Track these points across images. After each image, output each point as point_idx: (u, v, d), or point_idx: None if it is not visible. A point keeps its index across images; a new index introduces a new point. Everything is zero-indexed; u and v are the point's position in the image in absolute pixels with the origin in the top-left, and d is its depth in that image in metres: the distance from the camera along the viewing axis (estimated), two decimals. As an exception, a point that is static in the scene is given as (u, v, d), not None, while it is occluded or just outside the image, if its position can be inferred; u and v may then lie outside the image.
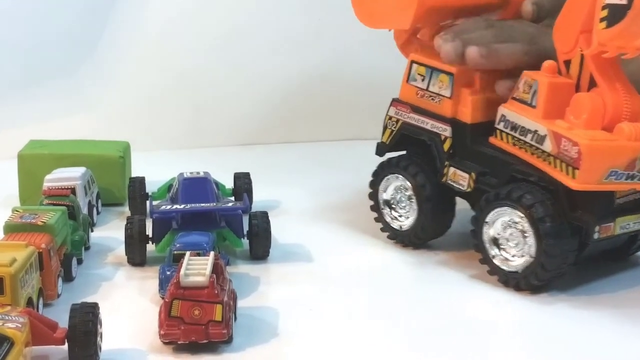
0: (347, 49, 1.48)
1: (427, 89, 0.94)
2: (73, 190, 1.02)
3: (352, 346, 0.77)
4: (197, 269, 0.76)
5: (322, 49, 1.48)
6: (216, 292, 0.74)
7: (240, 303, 0.83)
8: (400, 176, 0.97)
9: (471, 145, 0.92)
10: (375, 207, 1.01)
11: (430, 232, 0.98)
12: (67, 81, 1.43)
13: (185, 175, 1.02)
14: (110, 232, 1.03)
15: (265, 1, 1.46)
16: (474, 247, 0.90)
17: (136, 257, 0.94)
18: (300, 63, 1.48)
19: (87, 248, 0.98)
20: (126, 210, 1.09)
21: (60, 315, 0.74)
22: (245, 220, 0.97)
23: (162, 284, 0.84)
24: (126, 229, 0.94)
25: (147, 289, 0.88)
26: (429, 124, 0.94)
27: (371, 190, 1.02)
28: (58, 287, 0.85)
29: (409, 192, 0.97)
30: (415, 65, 0.96)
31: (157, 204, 0.97)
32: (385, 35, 1.00)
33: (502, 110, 0.89)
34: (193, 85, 1.46)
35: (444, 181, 0.94)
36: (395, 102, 0.98)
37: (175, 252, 0.85)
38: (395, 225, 0.99)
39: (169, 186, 1.07)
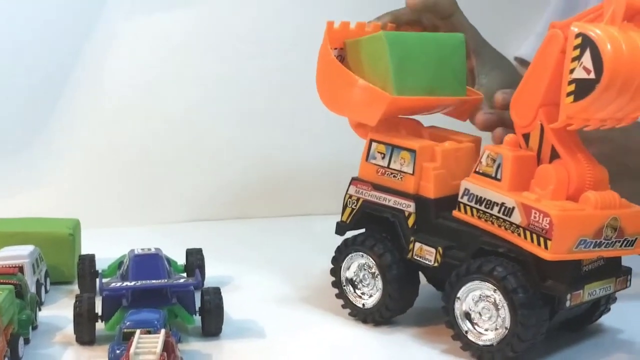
0: (304, 128, 1.49)
1: (387, 167, 0.95)
2: (21, 269, 1.00)
3: None
4: (147, 347, 0.74)
5: (278, 123, 1.49)
6: (167, 370, 0.73)
7: (192, 383, 0.81)
8: (365, 254, 0.97)
9: (435, 219, 0.92)
10: (337, 284, 1.01)
11: (395, 309, 0.97)
12: (16, 157, 1.42)
13: (136, 252, 1.01)
14: (58, 310, 1.01)
15: (220, 79, 1.47)
16: (445, 324, 0.90)
17: (85, 336, 0.92)
18: (254, 138, 1.49)
19: (35, 327, 0.96)
20: (75, 288, 1.08)
21: (5, 398, 0.71)
22: (198, 296, 0.96)
23: (112, 363, 0.82)
24: (75, 307, 0.92)
25: (96, 369, 0.86)
26: (391, 201, 0.95)
27: (332, 267, 1.01)
28: (4, 368, 0.83)
29: (374, 270, 0.97)
30: (374, 144, 0.97)
31: (107, 282, 0.96)
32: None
33: (466, 184, 0.90)
34: (144, 162, 1.45)
35: (410, 257, 0.94)
36: (355, 180, 0.99)
37: (125, 330, 0.84)
38: (358, 303, 0.99)
39: (119, 263, 1.06)
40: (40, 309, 1.00)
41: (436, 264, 0.91)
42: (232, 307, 1.00)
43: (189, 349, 0.91)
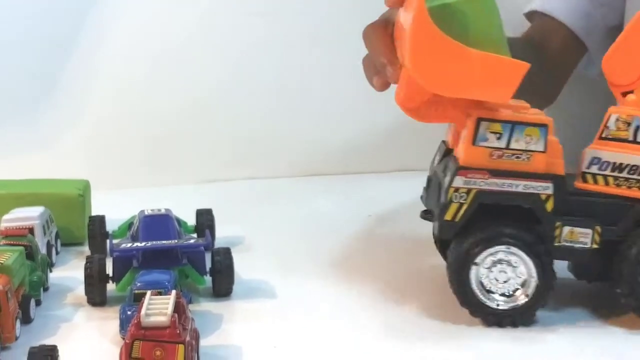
0: (312, 89, 1.48)
1: (507, 147, 0.84)
2: (31, 230, 1.00)
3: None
4: (158, 309, 0.74)
5: (287, 85, 1.49)
6: (178, 332, 0.73)
7: (203, 342, 0.81)
8: (512, 248, 0.85)
9: (570, 197, 0.85)
10: (464, 292, 0.87)
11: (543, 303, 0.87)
12: (24, 119, 1.41)
13: (146, 213, 1.01)
14: (69, 272, 1.01)
15: (229, 42, 1.46)
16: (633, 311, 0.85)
17: (96, 297, 0.92)
18: (263, 98, 1.48)
19: (46, 289, 0.96)
20: (86, 249, 1.08)
21: (18, 359, 0.72)
22: (208, 257, 0.95)
23: (123, 324, 0.82)
24: (86, 269, 0.92)
25: (107, 329, 0.86)
26: (520, 186, 0.84)
27: (454, 278, 0.87)
28: (16, 329, 0.83)
29: (517, 265, 0.86)
30: (484, 124, 0.84)
31: (117, 243, 0.96)
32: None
33: (593, 152, 0.85)
34: (154, 122, 1.45)
35: (558, 244, 0.85)
36: (462, 170, 0.84)
37: (136, 291, 0.84)
38: (492, 304, 0.86)
39: (129, 224, 1.06)
40: (51, 271, 1.00)
41: (595, 246, 0.84)
42: (243, 268, 1.00)
43: (200, 310, 0.91)
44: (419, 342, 0.84)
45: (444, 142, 0.93)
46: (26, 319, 0.87)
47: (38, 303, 0.92)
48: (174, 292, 0.79)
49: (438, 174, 0.89)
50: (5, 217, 1.04)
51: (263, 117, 1.48)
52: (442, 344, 0.84)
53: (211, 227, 1.10)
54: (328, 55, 1.47)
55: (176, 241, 0.96)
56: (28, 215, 1.03)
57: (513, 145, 0.84)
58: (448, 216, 0.85)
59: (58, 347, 0.71)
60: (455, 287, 0.86)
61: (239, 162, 1.46)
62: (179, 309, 0.76)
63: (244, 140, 1.47)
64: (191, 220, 1.11)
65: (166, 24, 1.45)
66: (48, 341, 0.75)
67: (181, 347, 0.72)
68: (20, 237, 0.96)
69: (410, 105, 0.87)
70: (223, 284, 0.94)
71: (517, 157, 0.84)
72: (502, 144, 0.84)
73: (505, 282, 0.85)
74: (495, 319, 0.86)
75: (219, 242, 1.09)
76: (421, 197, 0.95)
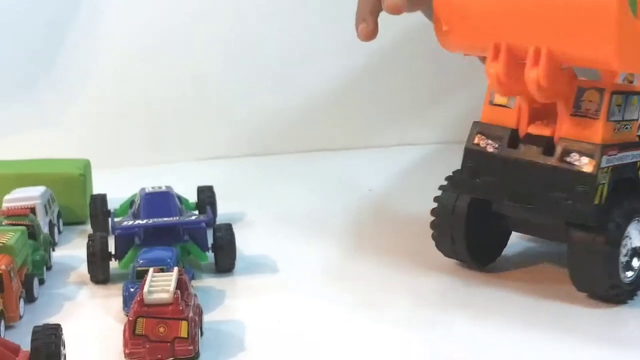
0: (316, 64, 1.48)
1: (622, 119, 0.82)
2: (33, 210, 1.01)
3: (320, 358, 0.75)
4: (161, 286, 0.74)
5: (288, 60, 1.48)
6: (181, 308, 0.73)
7: (206, 317, 0.81)
8: None
9: None
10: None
11: None
12: (24, 97, 1.41)
13: (147, 190, 1.01)
14: (72, 250, 1.02)
15: (228, 18, 1.45)
16: None
17: (99, 275, 0.92)
18: (264, 75, 1.48)
19: (49, 268, 0.96)
20: (88, 228, 1.08)
21: (22, 338, 0.72)
22: (210, 233, 0.96)
23: (126, 301, 0.83)
24: (88, 247, 0.92)
25: (111, 307, 0.86)
26: (632, 157, 0.83)
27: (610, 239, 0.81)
28: (19, 308, 0.84)
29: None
30: (615, 97, 0.81)
31: (119, 220, 0.96)
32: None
33: None
34: (154, 100, 1.44)
35: None
36: (605, 149, 0.80)
37: (139, 268, 0.84)
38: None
39: (130, 202, 1.06)
40: (54, 250, 1.00)
41: None
42: (245, 244, 1.00)
43: (203, 286, 0.91)
44: (424, 312, 0.85)
45: (481, 123, 0.87)
46: (30, 298, 0.88)
47: (41, 282, 0.92)
48: (176, 268, 0.79)
49: (527, 159, 0.83)
50: (7, 197, 1.04)
51: (263, 93, 1.47)
52: (453, 313, 0.85)
53: (212, 204, 1.10)
54: (329, 26, 1.46)
55: (177, 218, 0.96)
56: (29, 195, 1.04)
57: (626, 116, 0.82)
58: (596, 200, 0.80)
59: (62, 325, 0.71)
60: (607, 271, 0.81)
61: (240, 139, 1.46)
62: (181, 285, 0.77)
63: (245, 117, 1.47)
64: (192, 198, 1.11)
65: (166, 1, 1.45)
66: (52, 320, 0.75)
67: (184, 323, 0.72)
68: (22, 216, 0.96)
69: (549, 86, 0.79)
70: (225, 259, 0.94)
71: (626, 128, 0.83)
72: (620, 116, 0.82)
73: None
74: (626, 295, 0.84)
75: (220, 219, 1.09)
76: (463, 186, 0.89)
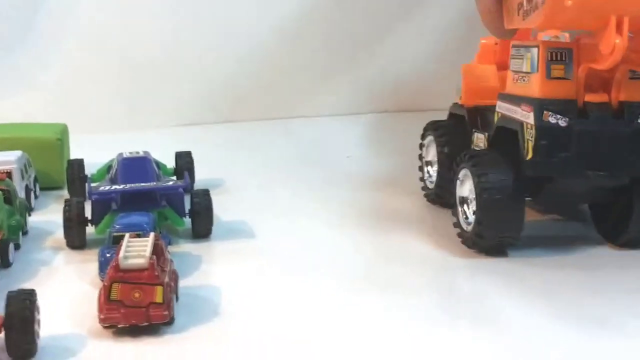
0: (292, 31, 1.47)
1: None
2: (9, 174, 1.00)
3: (295, 323, 0.76)
4: (136, 251, 0.74)
5: (265, 25, 1.47)
6: (156, 273, 0.73)
7: (183, 283, 0.81)
8: None
9: None
10: None
11: None
12: (1, 62, 1.39)
13: (124, 155, 1.01)
14: (48, 216, 1.01)
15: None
16: None
17: (75, 240, 0.92)
18: (241, 41, 1.47)
19: (25, 233, 0.96)
20: (65, 193, 1.08)
21: (-4, 303, 0.72)
22: (187, 199, 0.95)
23: (102, 266, 0.82)
24: (64, 212, 0.92)
25: (87, 272, 0.86)
26: None
27: None
28: (-5, 273, 0.84)
29: None
30: None
31: (96, 186, 0.96)
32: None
33: None
34: (133, 66, 1.44)
35: None
36: None
37: (115, 233, 0.84)
38: None
39: (108, 167, 1.05)
40: (30, 215, 1.00)
41: None
42: (222, 210, 1.00)
43: (180, 251, 0.91)
44: (406, 272, 0.85)
45: (541, 99, 0.83)
46: (5, 263, 0.87)
47: (17, 247, 0.91)
48: (152, 234, 0.79)
49: (600, 128, 0.83)
50: (-17, 161, 1.03)
51: (242, 60, 1.47)
52: (432, 273, 0.85)
53: (190, 170, 1.09)
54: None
55: (155, 183, 0.96)
56: (5, 159, 1.03)
57: None
58: None
59: (37, 291, 0.71)
60: None
61: (219, 105, 1.46)
62: (157, 250, 0.76)
63: (224, 83, 1.47)
64: (171, 163, 1.10)
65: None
66: (27, 285, 0.75)
67: (159, 288, 0.72)
68: (-3, 181, 0.96)
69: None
70: (202, 225, 0.94)
71: None
72: None
73: None
74: None
75: (198, 185, 1.09)
76: (541, 167, 0.85)
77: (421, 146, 1.07)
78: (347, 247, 0.93)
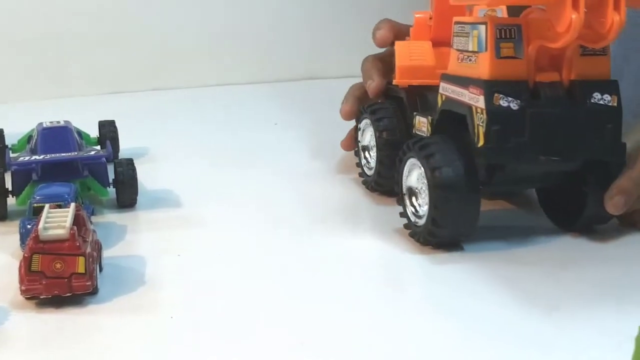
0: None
1: None
2: None
3: (221, 290, 0.75)
4: (56, 222, 0.73)
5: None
6: (77, 244, 0.72)
7: (107, 253, 0.81)
8: None
9: None
10: None
11: None
12: None
13: (44, 125, 0.99)
14: (-32, 188, 0.99)
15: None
16: None
17: (-4, 211, 0.90)
18: (169, 8, 1.45)
19: (-57, 205, 0.94)
20: (-15, 164, 1.05)
21: None
22: (111, 168, 0.94)
23: (23, 238, 0.81)
24: (-16, 183, 0.90)
25: (8, 244, 0.85)
26: None
27: None
28: None
29: None
30: None
31: (16, 156, 0.94)
32: None
33: None
34: (55, 34, 1.41)
35: None
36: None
37: (35, 204, 0.82)
38: None
39: (28, 137, 1.03)
40: (-52, 187, 0.97)
41: None
42: (148, 179, 0.99)
43: (105, 221, 0.90)
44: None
45: (492, 81, 0.77)
46: None
47: None
48: (73, 204, 0.77)
49: (553, 109, 0.78)
50: None
51: (165, 27, 1.45)
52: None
53: (114, 139, 1.08)
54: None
55: (76, 153, 0.94)
56: None
57: None
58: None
59: (-45, 264, 0.70)
60: None
61: (144, 73, 1.44)
62: (78, 221, 0.75)
63: (148, 51, 1.45)
64: (94, 133, 1.09)
65: None
66: (-54, 258, 0.73)
67: (81, 259, 0.71)
68: None
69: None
70: (126, 194, 0.93)
71: None
72: None
73: None
74: None
75: (123, 154, 1.07)
76: (495, 154, 0.78)
77: (357, 130, 1.00)
78: (273, 212, 0.93)
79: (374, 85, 0.97)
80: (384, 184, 0.95)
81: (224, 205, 0.95)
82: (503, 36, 0.77)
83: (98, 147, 1.06)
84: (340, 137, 1.04)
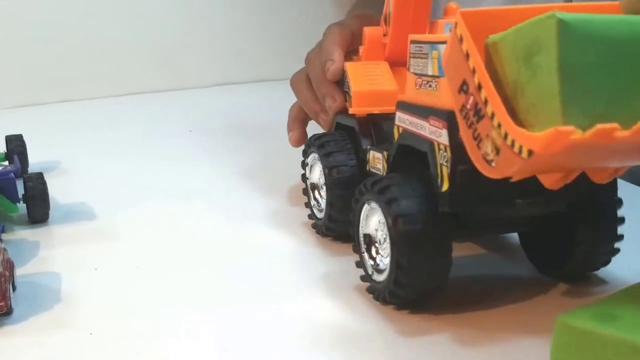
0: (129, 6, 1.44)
1: None
2: None
3: (140, 303, 0.73)
4: (-36, 241, 0.70)
5: (92, 9, 1.44)
6: (-13, 263, 0.69)
7: (20, 271, 0.78)
8: None
9: None
10: None
11: None
12: None
13: (-53, 142, 0.95)
14: None
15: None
16: None
17: None
18: (74, 17, 1.43)
19: None
20: None
21: None
22: (20, 183, 0.91)
23: None
24: None
25: None
26: None
27: None
28: None
29: None
30: None
31: None
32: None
33: None
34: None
35: None
36: None
37: (-61, 225, 0.79)
38: None
39: None
40: None
41: None
42: (59, 192, 0.97)
43: (15, 238, 0.87)
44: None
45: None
46: None
47: None
48: (-19, 222, 0.74)
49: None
50: None
51: (76, 37, 1.42)
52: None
53: (22, 153, 1.05)
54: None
55: (-18, 170, 0.91)
56: None
57: None
58: None
59: None
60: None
61: (51, 85, 1.41)
62: (-12, 239, 0.72)
63: (56, 62, 1.41)
64: (1, 148, 1.05)
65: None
66: None
67: (-8, 278, 0.69)
68: None
69: None
70: (38, 209, 0.90)
71: None
72: None
73: None
74: None
75: (33, 168, 1.04)
76: (466, 201, 0.65)
77: (304, 165, 0.87)
78: (196, 221, 0.91)
79: (333, 67, 0.84)
80: (336, 229, 0.82)
81: (140, 216, 0.93)
82: None
83: (6, 163, 1.03)
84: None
